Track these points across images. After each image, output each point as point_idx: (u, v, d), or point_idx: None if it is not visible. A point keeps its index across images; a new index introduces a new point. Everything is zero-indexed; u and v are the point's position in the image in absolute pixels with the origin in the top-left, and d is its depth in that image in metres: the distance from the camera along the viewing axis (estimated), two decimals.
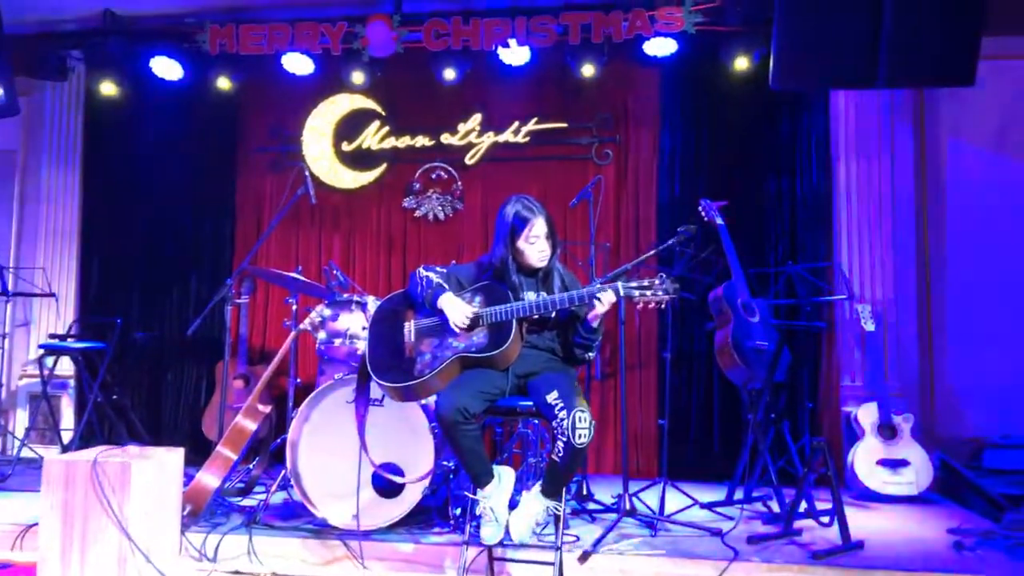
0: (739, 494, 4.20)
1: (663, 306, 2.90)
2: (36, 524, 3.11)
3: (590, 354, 3.06)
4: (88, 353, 5.20)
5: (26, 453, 5.05)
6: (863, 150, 5.11)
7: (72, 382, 5.63)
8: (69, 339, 5.29)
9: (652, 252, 3.75)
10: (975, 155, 5.18)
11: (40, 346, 5.36)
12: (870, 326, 4.69)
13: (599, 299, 2.87)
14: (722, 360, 4.28)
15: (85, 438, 4.98)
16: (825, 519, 3.78)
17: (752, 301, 4.40)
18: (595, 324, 2.96)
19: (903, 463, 4.45)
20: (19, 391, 5.74)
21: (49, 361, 5.27)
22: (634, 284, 2.88)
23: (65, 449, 5.13)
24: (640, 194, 5.34)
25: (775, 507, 3.98)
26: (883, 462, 4.47)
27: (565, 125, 5.43)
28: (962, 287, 5.12)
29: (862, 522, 3.90)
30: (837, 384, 4.97)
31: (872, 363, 4.78)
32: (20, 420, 5.65)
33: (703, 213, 4.53)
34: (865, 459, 4.49)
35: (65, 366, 5.47)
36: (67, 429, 5.45)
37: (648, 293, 2.85)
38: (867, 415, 4.58)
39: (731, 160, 5.25)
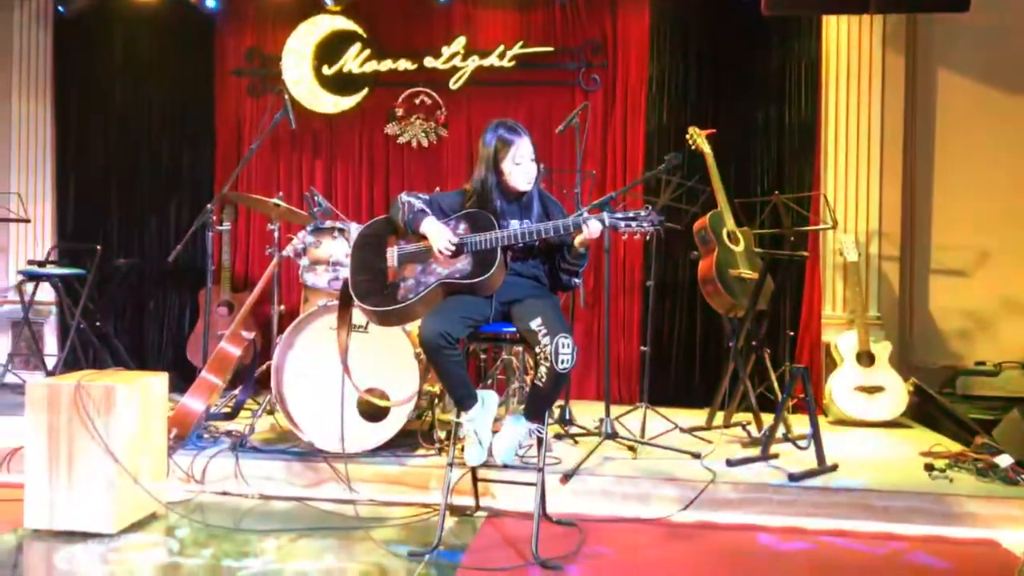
0: (719, 419, 4.29)
1: (648, 237, 2.88)
2: (22, 447, 3.11)
3: (576, 279, 3.06)
4: (68, 279, 5.15)
5: (10, 379, 5.05)
6: (853, 79, 5.04)
7: (54, 308, 5.59)
8: (48, 265, 5.22)
9: (639, 180, 3.72)
10: (964, 86, 5.13)
11: (19, 272, 5.29)
12: (853, 256, 4.72)
13: (586, 227, 2.84)
14: (706, 289, 4.32)
15: (69, 364, 4.96)
16: (802, 443, 3.85)
17: (737, 230, 4.41)
18: (582, 249, 2.95)
19: (879, 389, 4.55)
20: None
21: (28, 287, 5.21)
22: (620, 215, 2.85)
23: (50, 374, 5.12)
24: (628, 121, 5.25)
25: (754, 431, 4.07)
26: (860, 388, 4.56)
27: (552, 49, 5.30)
28: (945, 217, 5.14)
29: (838, 446, 3.99)
30: (818, 313, 5.03)
31: (853, 292, 4.83)
32: (2, 346, 5.60)
33: (690, 142, 4.48)
34: (843, 386, 4.58)
35: (45, 292, 5.41)
36: (51, 355, 5.43)
37: (633, 224, 2.83)
38: (846, 343, 4.65)
39: (720, 88, 5.17)
